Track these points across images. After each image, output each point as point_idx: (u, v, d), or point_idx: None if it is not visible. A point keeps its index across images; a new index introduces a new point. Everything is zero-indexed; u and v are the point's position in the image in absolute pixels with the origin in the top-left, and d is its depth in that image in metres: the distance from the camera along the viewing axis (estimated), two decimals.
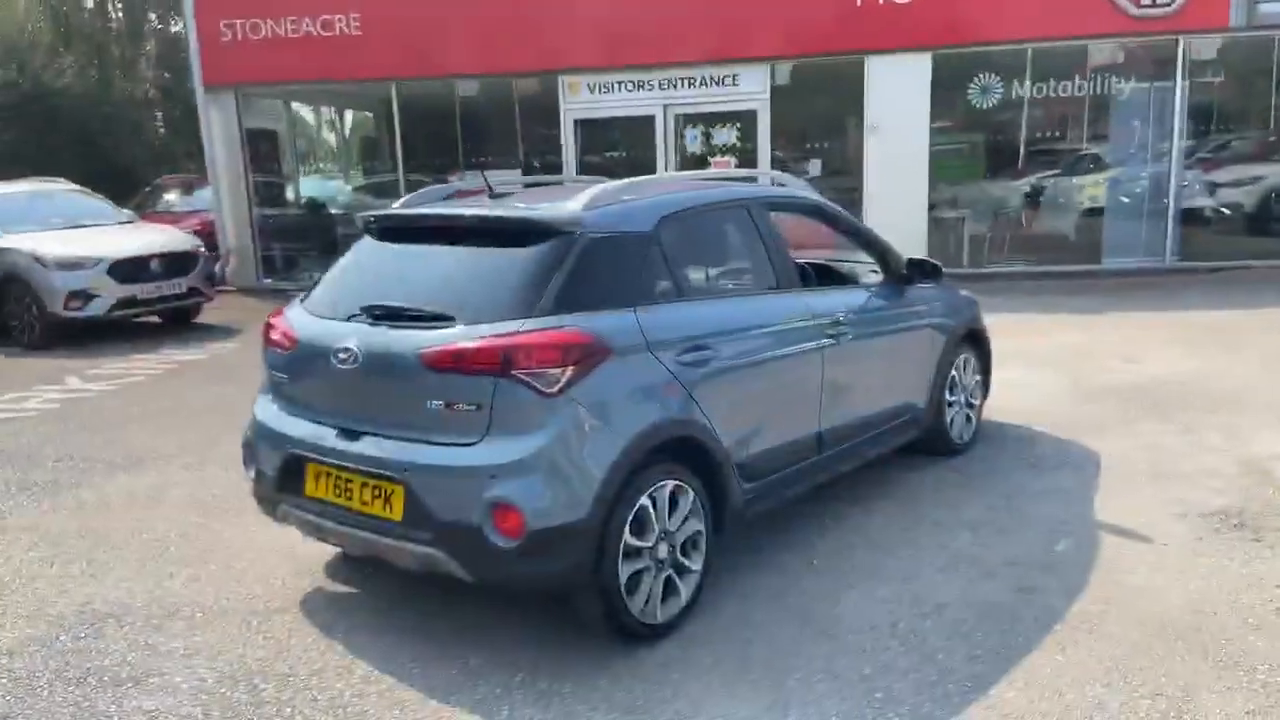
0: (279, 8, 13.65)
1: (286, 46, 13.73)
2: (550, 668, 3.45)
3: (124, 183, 17.38)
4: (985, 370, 5.90)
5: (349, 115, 17.16)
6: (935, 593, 3.96)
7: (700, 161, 13.46)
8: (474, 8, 13.37)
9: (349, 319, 3.65)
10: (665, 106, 13.40)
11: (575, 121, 13.66)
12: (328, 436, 3.60)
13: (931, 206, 12.98)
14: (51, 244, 10.48)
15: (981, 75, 12.86)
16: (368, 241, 4.05)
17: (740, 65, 12.96)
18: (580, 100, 13.59)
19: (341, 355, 3.54)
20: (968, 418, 5.73)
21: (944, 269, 5.29)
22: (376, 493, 3.45)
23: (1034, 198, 13.60)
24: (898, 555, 4.33)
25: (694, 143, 13.59)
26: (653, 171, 13.45)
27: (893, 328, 5.02)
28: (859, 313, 4.78)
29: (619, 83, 13.45)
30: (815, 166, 13.67)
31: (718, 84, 13.24)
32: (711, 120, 13.45)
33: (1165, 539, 4.38)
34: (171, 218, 14.96)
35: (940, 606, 3.83)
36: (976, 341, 5.78)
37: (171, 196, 16.68)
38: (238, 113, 14.27)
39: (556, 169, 13.76)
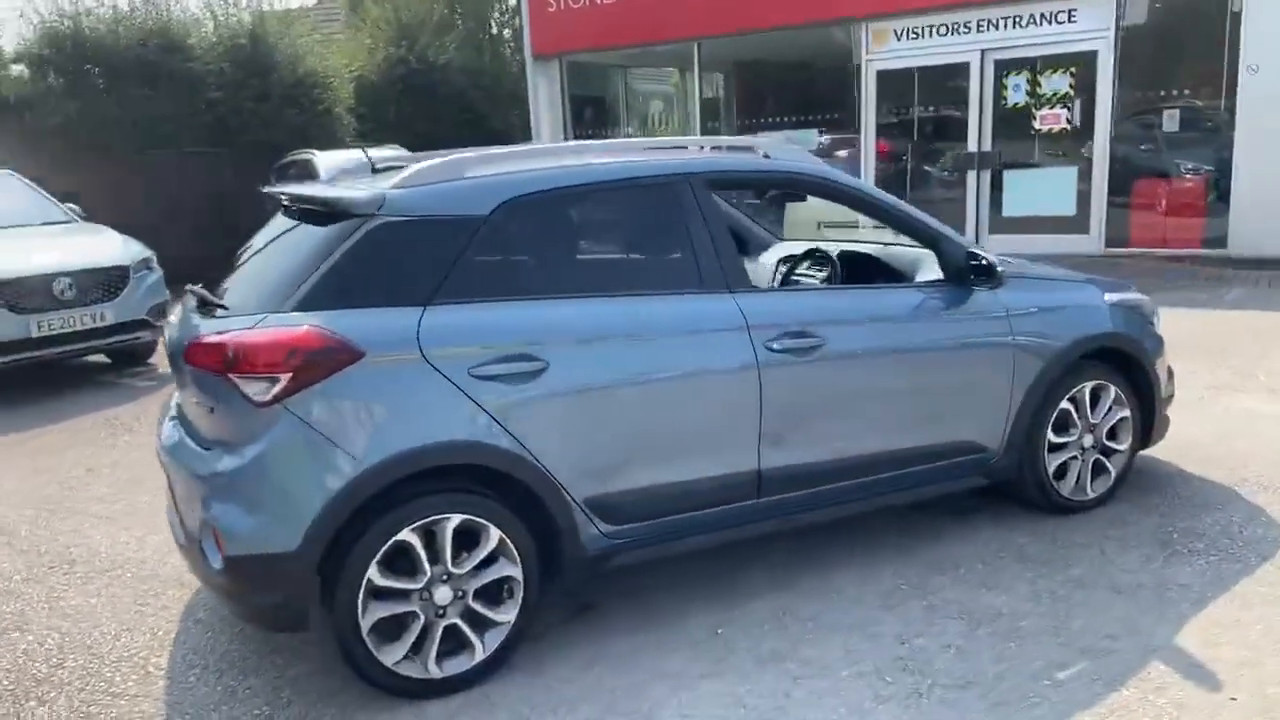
0: None
1: (602, 13, 14.01)
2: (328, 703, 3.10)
3: None
4: (1146, 404, 4.34)
5: (663, 78, 17.13)
6: None
7: (1023, 115, 11.61)
8: None
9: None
10: (983, 51, 11.71)
11: (877, 74, 12.42)
12: (172, 435, 3.49)
13: None
14: None
15: None
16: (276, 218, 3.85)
17: None
18: (885, 50, 12.32)
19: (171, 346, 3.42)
20: (1099, 466, 4.26)
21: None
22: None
23: None
24: (814, 648, 3.32)
25: (1017, 93, 11.73)
26: (963, 128, 11.89)
27: (928, 342, 3.82)
28: (858, 322, 3.70)
29: (930, 27, 11.97)
30: (1171, 119, 11.15)
31: (1049, 21, 11.28)
32: (1039, 65, 11.50)
33: None
34: None
35: None
36: (1121, 364, 4.26)
37: None
38: (561, 80, 14.89)
39: (848, 126, 12.67)
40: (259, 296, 3.09)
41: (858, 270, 4.33)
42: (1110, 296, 4.29)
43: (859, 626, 3.43)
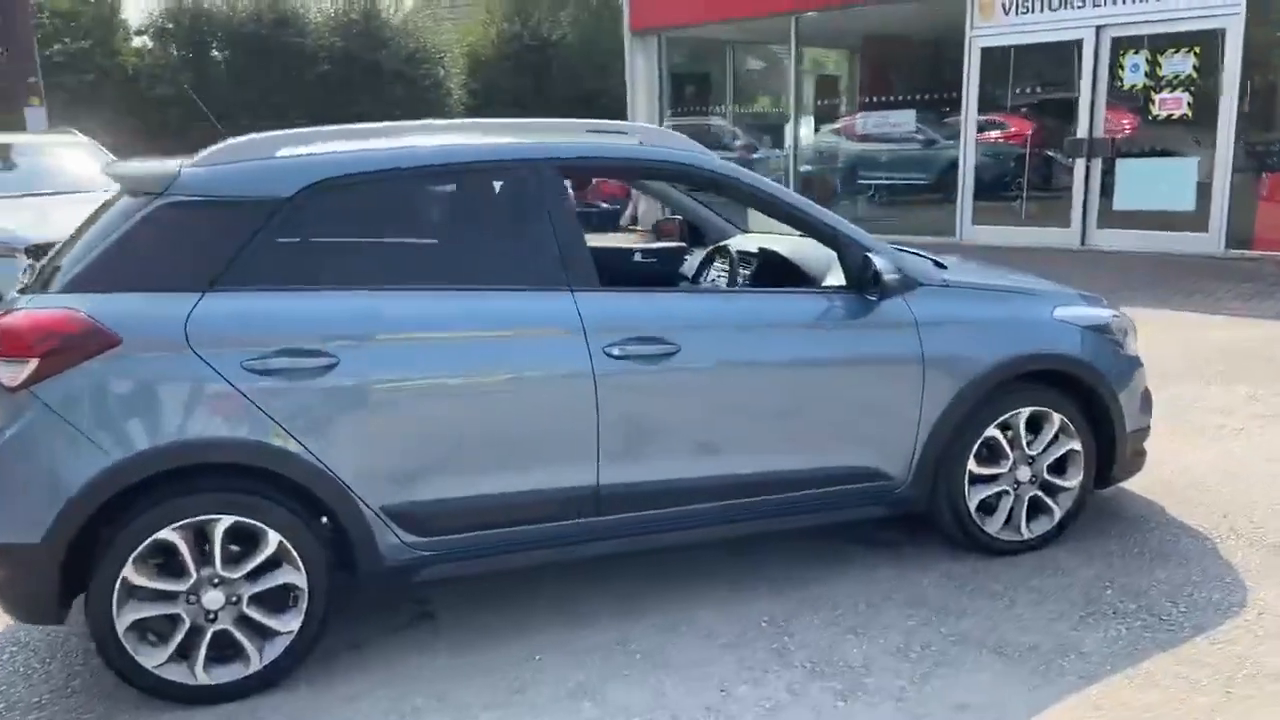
0: None
1: None
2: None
3: None
4: (1104, 436, 3.77)
5: (771, 56, 16.58)
6: None
7: (1140, 98, 10.59)
8: None
9: None
10: (1098, 28, 10.71)
11: (982, 50, 11.55)
12: None
13: None
14: None
15: None
16: None
17: None
18: (992, 24, 11.45)
19: None
20: (1039, 504, 3.74)
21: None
22: None
23: None
24: (625, 687, 3.00)
25: (1135, 73, 10.67)
26: (1072, 108, 10.93)
27: (811, 354, 3.41)
28: (722, 329, 3.34)
29: (1043, 1, 11.04)
30: None
31: None
32: (1159, 44, 10.42)
33: None
34: None
35: None
36: (1070, 388, 3.71)
37: None
38: (659, 56, 14.60)
39: (952, 106, 11.88)
40: (58, 275, 3.01)
41: (772, 270, 3.93)
42: (1063, 312, 3.73)
43: (690, 666, 3.10)
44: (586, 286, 3.19)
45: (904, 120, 12.84)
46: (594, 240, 3.74)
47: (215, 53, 14.39)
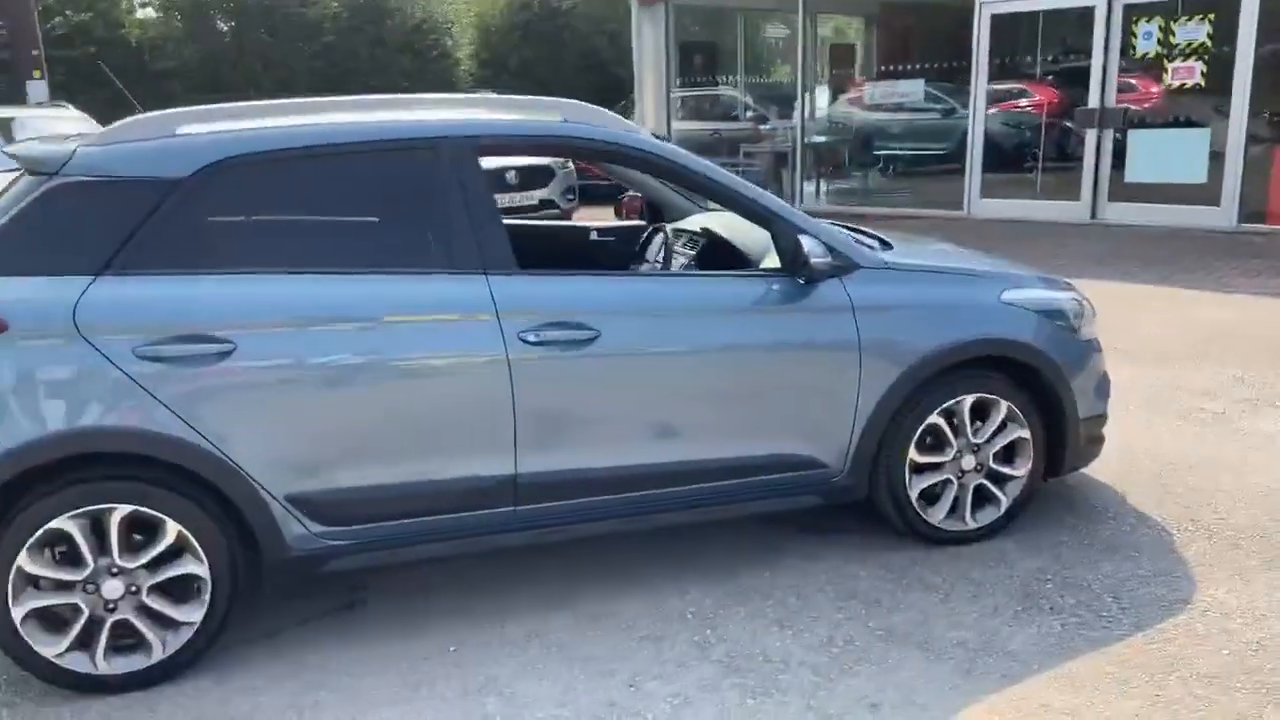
0: None
1: None
2: None
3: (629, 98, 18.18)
4: (1055, 424, 3.63)
5: (783, 24, 16.27)
6: None
7: (1153, 67, 10.28)
8: None
9: None
10: None
11: (991, 18, 11.24)
12: None
13: None
14: None
15: None
16: None
17: None
18: None
19: None
20: (985, 493, 3.62)
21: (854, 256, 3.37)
22: None
23: None
24: (535, 681, 2.93)
25: (1148, 41, 10.34)
26: (1084, 76, 10.60)
27: (740, 339, 3.29)
28: (646, 314, 3.23)
29: None
30: None
31: None
32: (1172, 10, 10.08)
33: None
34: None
35: None
36: (1017, 374, 3.57)
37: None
38: (667, 25, 14.35)
39: (957, 76, 11.58)
40: None
41: (715, 252, 3.80)
42: (1012, 295, 3.58)
43: (605, 660, 3.02)
44: (501, 270, 3.09)
45: (913, 90, 12.54)
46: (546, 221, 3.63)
47: (220, 24, 14.33)
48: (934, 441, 3.54)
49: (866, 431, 3.41)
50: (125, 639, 2.91)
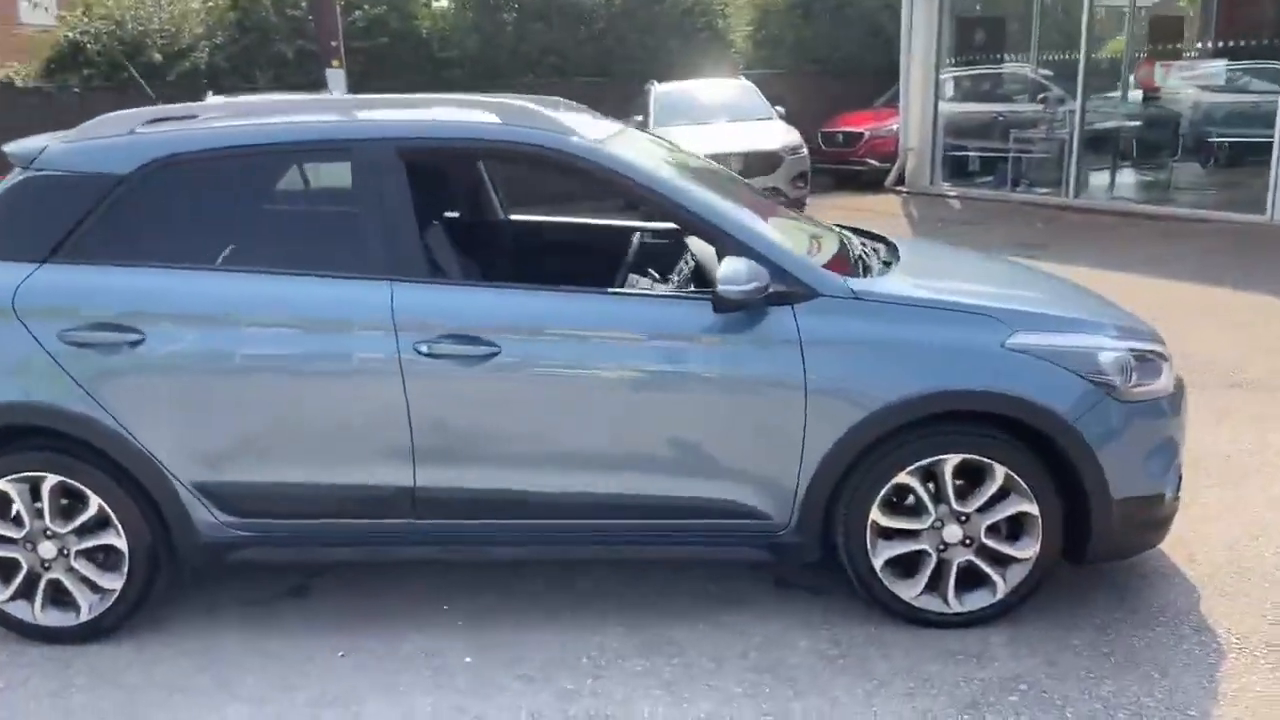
0: None
1: None
2: None
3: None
4: (1079, 501, 2.93)
5: None
6: None
7: None
8: None
9: None
10: None
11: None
12: None
13: None
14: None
15: None
16: None
17: None
18: None
19: None
20: (977, 574, 3.01)
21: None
22: None
23: None
24: (386, 705, 2.81)
25: None
26: None
27: (661, 368, 2.94)
28: (554, 332, 2.98)
29: None
30: None
31: None
32: None
33: None
34: (888, 112, 14.92)
35: None
36: (1025, 436, 2.91)
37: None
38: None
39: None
40: None
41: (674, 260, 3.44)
42: (1024, 340, 2.91)
43: (471, 690, 2.88)
44: (407, 277, 2.99)
45: (1215, 71, 10.72)
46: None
47: (504, 15, 15.19)
48: (903, 504, 2.99)
49: (815, 483, 2.95)
50: (63, 595, 3.17)
